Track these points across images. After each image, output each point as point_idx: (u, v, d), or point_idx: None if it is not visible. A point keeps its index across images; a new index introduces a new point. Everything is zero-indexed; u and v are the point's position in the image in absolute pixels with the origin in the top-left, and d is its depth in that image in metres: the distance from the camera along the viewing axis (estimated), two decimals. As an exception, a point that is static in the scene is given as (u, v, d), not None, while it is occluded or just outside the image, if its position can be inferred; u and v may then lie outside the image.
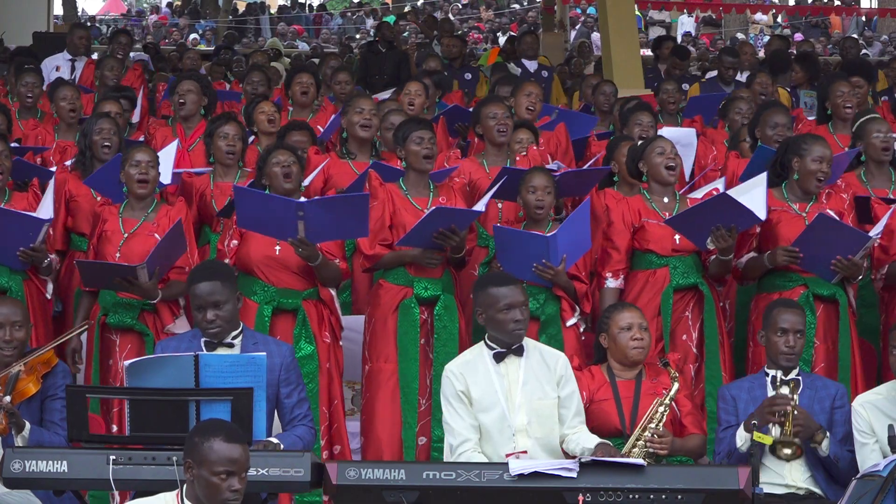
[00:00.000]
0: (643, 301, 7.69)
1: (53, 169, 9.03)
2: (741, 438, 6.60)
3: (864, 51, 24.37)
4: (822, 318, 7.74)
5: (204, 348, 6.45)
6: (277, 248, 7.66)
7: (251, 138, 9.62)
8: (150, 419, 5.94)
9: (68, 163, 9.15)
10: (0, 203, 8.01)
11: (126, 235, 7.79)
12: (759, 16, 34.31)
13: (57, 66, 13.84)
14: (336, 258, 7.72)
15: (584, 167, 9.79)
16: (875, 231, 7.83)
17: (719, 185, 8.62)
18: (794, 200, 7.91)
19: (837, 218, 7.71)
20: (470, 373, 6.52)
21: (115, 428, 7.24)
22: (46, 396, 6.50)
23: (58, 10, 29.32)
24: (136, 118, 11.36)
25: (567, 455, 6.43)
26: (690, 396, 7.16)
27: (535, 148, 9.41)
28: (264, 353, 6.27)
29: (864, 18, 31.79)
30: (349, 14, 37.31)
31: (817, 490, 6.66)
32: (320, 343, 7.69)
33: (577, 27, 29.99)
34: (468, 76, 15.41)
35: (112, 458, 5.74)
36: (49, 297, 8.05)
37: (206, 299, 6.44)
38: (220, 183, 8.84)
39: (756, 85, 11.88)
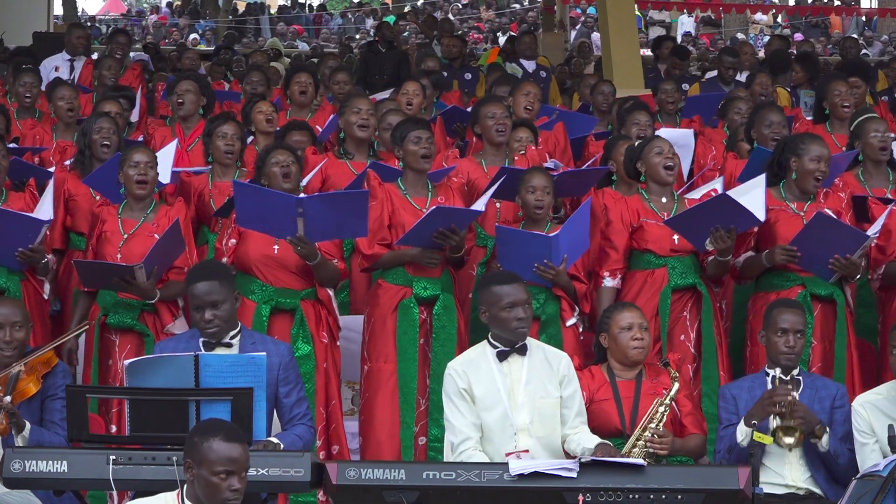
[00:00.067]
0: (641, 301, 7.68)
1: (51, 169, 9.03)
2: (742, 433, 6.60)
3: (864, 51, 24.36)
4: (820, 318, 7.73)
5: (202, 348, 6.44)
6: (276, 247, 7.65)
7: (249, 138, 9.62)
8: (150, 419, 5.93)
9: (67, 162, 9.15)
10: (-3, 203, 8.02)
11: (126, 236, 7.78)
12: (759, 16, 34.30)
13: (56, 66, 13.83)
14: (334, 258, 7.72)
15: (583, 167, 9.78)
16: (873, 230, 7.82)
17: (717, 185, 8.61)
18: (791, 200, 7.91)
19: (835, 217, 7.71)
20: (473, 371, 6.51)
21: (114, 428, 7.24)
22: (46, 396, 6.49)
23: (58, 10, 29.28)
24: (134, 118, 11.36)
25: (568, 455, 6.42)
26: (690, 396, 7.15)
27: (533, 148, 9.41)
28: (264, 353, 6.27)
29: (864, 18, 31.79)
30: (349, 14, 37.30)
31: (817, 490, 6.66)
32: (318, 343, 7.68)
33: (577, 27, 29.98)
34: (468, 76, 15.40)
35: (112, 458, 5.73)
36: (46, 297, 8.04)
37: (204, 299, 6.44)
38: (219, 183, 8.84)
39: (756, 85, 11.86)
